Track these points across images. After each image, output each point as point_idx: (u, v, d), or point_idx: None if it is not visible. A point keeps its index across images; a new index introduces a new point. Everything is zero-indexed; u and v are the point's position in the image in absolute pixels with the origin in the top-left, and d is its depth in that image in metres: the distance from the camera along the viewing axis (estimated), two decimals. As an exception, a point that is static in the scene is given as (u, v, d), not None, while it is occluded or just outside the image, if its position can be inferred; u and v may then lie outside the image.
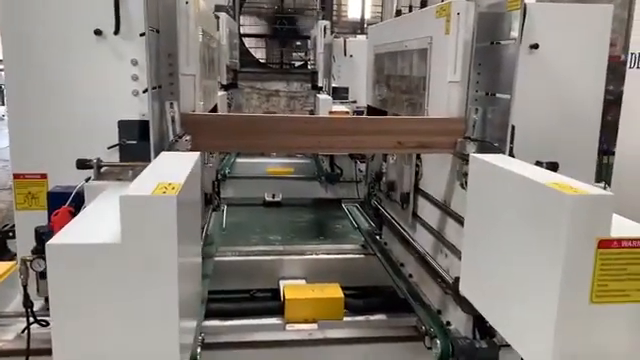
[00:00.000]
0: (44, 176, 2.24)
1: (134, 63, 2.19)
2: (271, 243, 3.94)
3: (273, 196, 5.09)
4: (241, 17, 8.71)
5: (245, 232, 4.14)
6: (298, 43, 8.85)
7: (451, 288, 2.21)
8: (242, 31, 8.69)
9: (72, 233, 1.35)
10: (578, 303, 1.38)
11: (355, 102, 5.91)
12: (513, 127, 2.09)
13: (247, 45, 8.78)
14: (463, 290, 2.01)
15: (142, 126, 2.15)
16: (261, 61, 8.90)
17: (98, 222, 1.41)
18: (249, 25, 8.87)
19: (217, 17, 5.66)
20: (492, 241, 1.76)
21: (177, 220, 1.26)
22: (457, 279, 2.09)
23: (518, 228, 1.60)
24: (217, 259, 3.43)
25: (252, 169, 5.77)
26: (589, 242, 1.36)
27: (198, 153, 1.81)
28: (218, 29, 5.67)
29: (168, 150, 1.96)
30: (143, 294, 1.29)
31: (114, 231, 1.28)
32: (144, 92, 2.08)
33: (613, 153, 3.87)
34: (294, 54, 8.89)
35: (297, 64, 8.83)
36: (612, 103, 4.04)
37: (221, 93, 5.35)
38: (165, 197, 1.25)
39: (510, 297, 1.66)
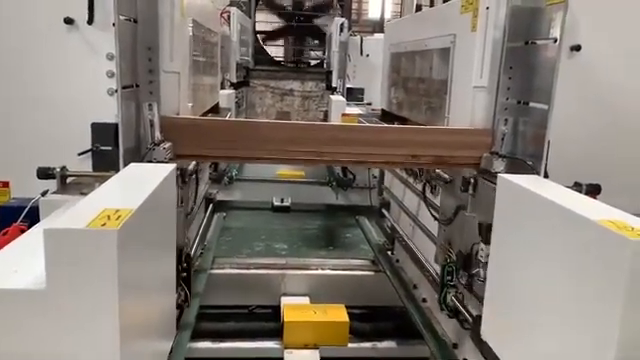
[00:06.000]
0: (6, 184, 1.98)
1: (110, 57, 1.92)
2: (275, 252, 3.71)
3: (282, 200, 4.88)
4: (257, 14, 8.43)
5: (249, 239, 3.91)
6: (316, 41, 8.56)
7: (471, 327, 1.90)
8: (257, 28, 8.41)
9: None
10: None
11: (370, 104, 5.61)
12: (548, 142, 1.78)
13: (263, 42, 8.49)
14: (485, 334, 1.71)
15: (118, 130, 1.87)
16: (276, 59, 8.60)
17: (30, 255, 1.13)
18: (264, 22, 8.58)
19: (228, 12, 5.44)
20: (525, 284, 1.46)
21: (118, 259, 0.97)
22: (478, 319, 1.79)
23: (560, 272, 1.31)
24: (214, 272, 3.20)
25: (262, 171, 5.51)
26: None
27: (173, 165, 1.54)
28: (229, 24, 5.45)
29: (143, 159, 1.68)
30: (74, 352, 1.00)
31: (42, 271, 1.00)
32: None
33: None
34: (312, 52, 8.60)
35: (312, 63, 8.53)
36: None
37: (229, 92, 5.11)
38: (103, 231, 0.97)
39: (548, 354, 1.35)
